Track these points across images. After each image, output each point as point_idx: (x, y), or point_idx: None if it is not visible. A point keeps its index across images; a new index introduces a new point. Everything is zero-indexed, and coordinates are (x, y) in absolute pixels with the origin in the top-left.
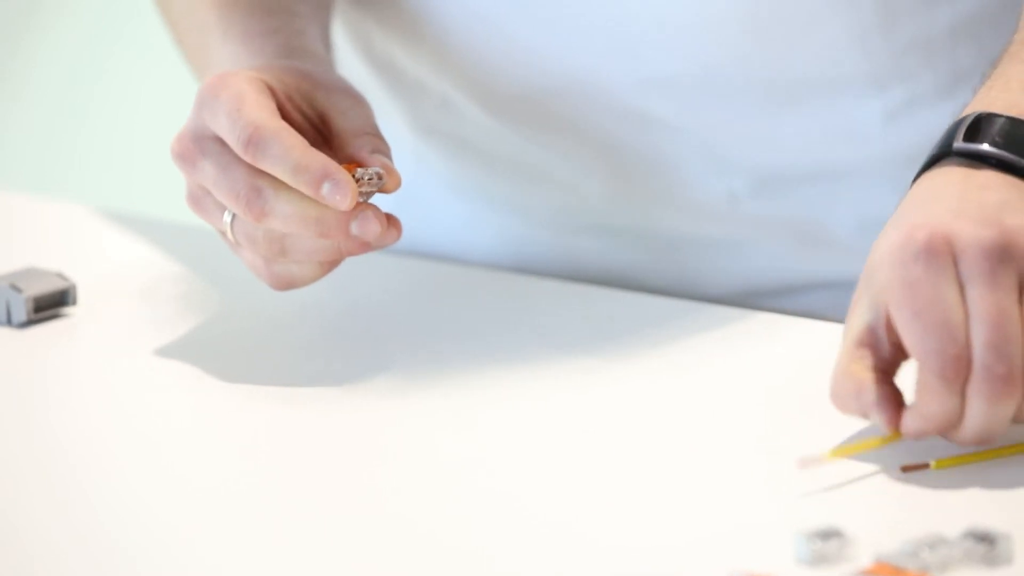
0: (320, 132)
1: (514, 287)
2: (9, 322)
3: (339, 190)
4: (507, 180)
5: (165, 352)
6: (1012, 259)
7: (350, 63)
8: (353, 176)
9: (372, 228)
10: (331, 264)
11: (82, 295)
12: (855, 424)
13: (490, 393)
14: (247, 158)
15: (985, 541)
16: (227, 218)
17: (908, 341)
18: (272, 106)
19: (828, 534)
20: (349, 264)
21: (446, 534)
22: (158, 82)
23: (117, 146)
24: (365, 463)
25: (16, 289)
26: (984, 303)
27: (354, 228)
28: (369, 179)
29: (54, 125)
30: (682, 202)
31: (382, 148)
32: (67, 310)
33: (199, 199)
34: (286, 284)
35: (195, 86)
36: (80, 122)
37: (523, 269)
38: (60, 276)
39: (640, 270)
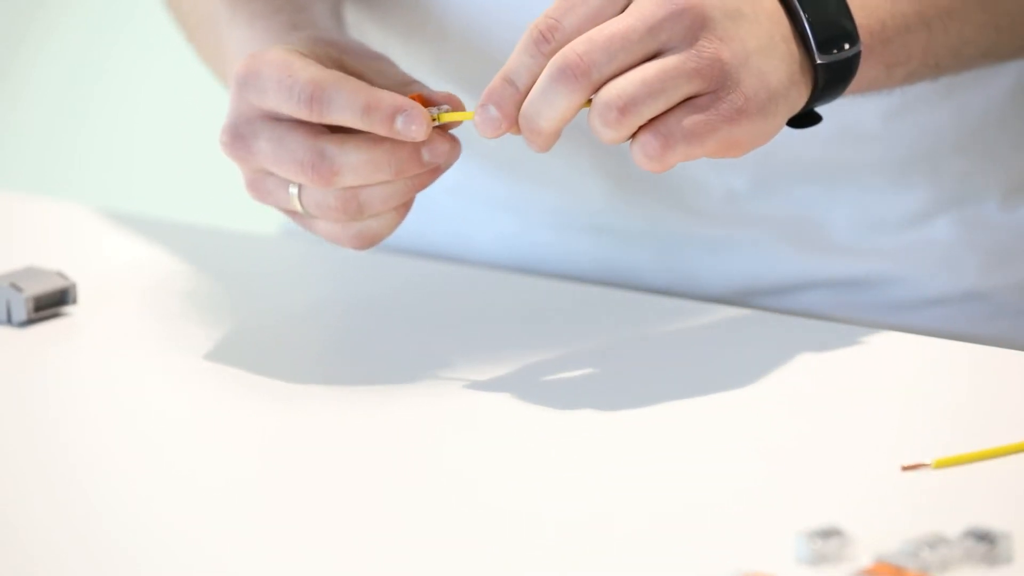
0: None
1: (514, 287)
2: (9, 321)
3: (413, 120)
4: (506, 180)
5: (165, 351)
6: (682, 20)
7: None
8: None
9: (443, 148)
10: (406, 207)
11: (82, 295)
12: (855, 424)
13: (489, 392)
14: (313, 116)
15: (985, 541)
16: (293, 191)
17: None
18: (318, 64)
19: (828, 534)
20: (349, 264)
21: (447, 533)
22: (158, 82)
23: (117, 146)
24: (365, 462)
25: (16, 288)
26: (621, 20)
27: (426, 155)
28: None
29: (54, 125)
30: (681, 201)
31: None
32: (67, 309)
33: (259, 184)
34: (369, 241)
35: (195, 85)
36: (80, 122)
37: (523, 269)
38: (60, 275)
39: (639, 269)
